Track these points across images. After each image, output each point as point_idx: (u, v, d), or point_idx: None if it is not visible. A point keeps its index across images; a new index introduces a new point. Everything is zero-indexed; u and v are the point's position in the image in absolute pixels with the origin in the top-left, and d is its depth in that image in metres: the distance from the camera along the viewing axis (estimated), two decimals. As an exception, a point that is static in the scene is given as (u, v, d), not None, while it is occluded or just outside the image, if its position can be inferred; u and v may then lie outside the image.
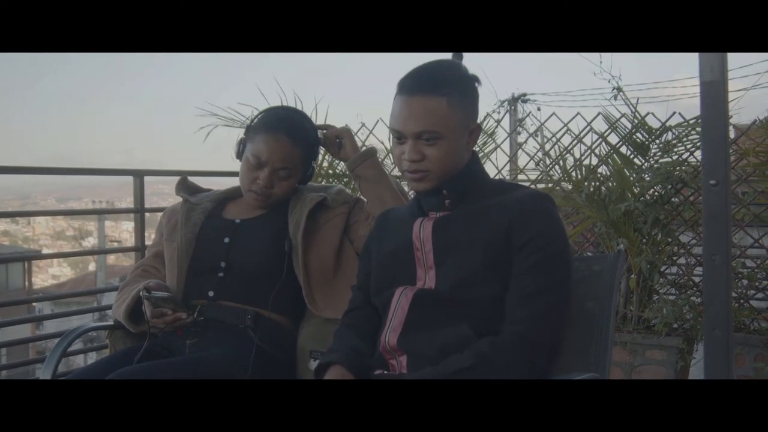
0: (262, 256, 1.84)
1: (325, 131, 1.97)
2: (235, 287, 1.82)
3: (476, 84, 1.53)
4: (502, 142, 4.35)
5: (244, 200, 1.97)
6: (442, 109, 1.45)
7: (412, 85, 1.47)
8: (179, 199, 2.01)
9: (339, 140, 1.95)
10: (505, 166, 4.43)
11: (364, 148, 1.95)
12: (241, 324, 1.79)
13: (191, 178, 2.12)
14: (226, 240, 1.87)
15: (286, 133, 1.86)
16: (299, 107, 4.02)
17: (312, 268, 1.85)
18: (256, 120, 1.92)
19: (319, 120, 3.49)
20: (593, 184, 3.66)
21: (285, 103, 3.98)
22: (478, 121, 1.57)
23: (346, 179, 3.80)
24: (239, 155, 1.93)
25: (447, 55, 1.55)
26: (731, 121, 3.46)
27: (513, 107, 12.06)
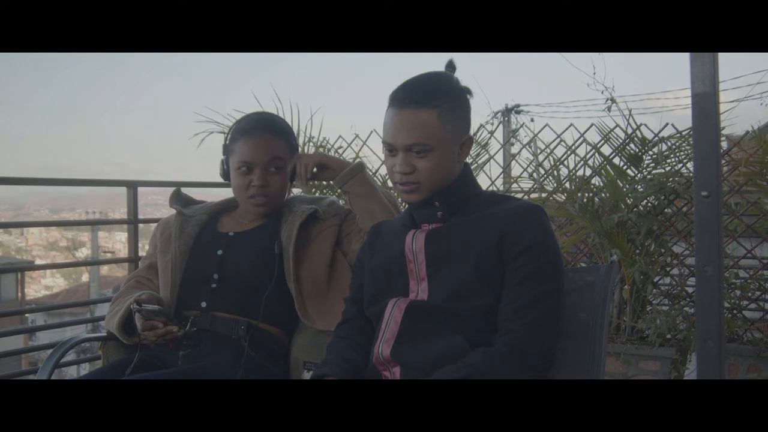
0: (255, 267, 1.84)
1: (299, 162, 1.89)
2: (227, 298, 1.82)
3: (468, 96, 1.53)
4: (495, 153, 4.37)
5: (238, 213, 1.98)
6: (432, 121, 1.45)
7: (402, 97, 1.47)
8: (173, 210, 2.02)
9: (316, 167, 1.89)
10: (498, 177, 4.44)
11: (357, 159, 1.95)
12: (234, 335, 1.78)
13: (185, 189, 2.12)
14: (219, 252, 1.87)
15: (263, 129, 1.89)
16: (296, 116, 4.06)
17: (304, 280, 1.85)
18: (230, 135, 1.94)
19: (314, 130, 3.49)
20: (586, 195, 3.67)
21: (282, 113, 4.00)
22: (471, 132, 1.58)
23: (339, 191, 3.79)
24: (225, 175, 1.95)
25: (441, 57, 1.54)
26: (724, 132, 3.49)
27: (506, 118, 12.09)
